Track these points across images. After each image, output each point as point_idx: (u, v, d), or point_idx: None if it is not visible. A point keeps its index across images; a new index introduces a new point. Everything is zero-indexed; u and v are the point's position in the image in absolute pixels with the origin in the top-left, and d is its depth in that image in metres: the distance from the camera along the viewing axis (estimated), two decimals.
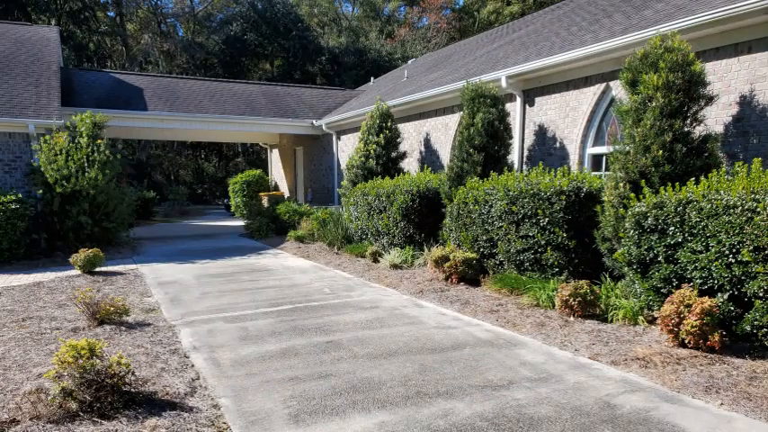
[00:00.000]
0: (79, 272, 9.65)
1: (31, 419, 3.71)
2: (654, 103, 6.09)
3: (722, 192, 5.20)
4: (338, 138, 17.86)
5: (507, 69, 9.85)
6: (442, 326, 6.23)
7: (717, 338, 4.87)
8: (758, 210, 4.80)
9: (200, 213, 27.85)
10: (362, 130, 12.84)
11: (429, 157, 13.08)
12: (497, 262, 8.20)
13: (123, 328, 6.10)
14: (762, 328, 4.79)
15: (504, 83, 9.77)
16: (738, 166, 5.32)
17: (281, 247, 13.50)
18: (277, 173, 24.32)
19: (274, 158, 24.80)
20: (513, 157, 10.11)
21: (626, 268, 6.11)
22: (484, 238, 8.25)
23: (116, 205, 12.42)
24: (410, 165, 13.76)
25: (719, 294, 5.09)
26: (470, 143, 9.20)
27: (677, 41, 6.16)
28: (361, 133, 12.85)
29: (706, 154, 6.08)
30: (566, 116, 9.26)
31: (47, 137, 11.74)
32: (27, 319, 6.58)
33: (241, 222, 19.17)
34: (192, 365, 4.95)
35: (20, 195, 11.17)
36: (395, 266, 9.78)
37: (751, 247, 4.80)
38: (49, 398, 3.83)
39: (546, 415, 3.88)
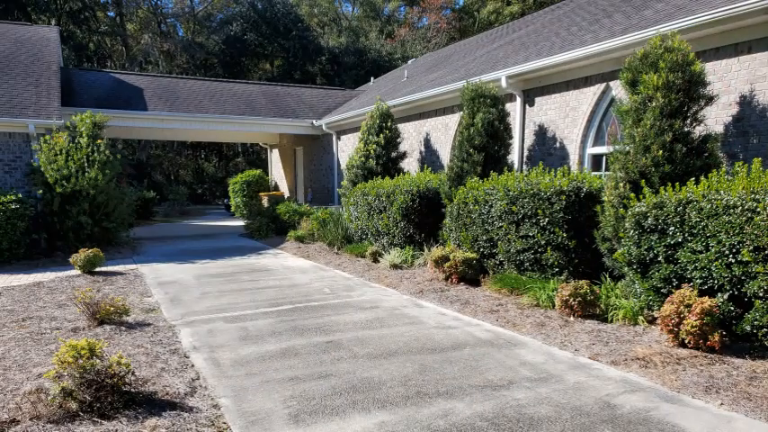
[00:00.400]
0: (79, 272, 9.65)
1: (31, 419, 3.71)
2: (654, 103, 6.09)
3: (722, 192, 5.20)
4: (338, 138, 17.86)
5: (507, 69, 9.85)
6: (442, 326, 6.23)
7: (717, 338, 4.87)
8: (758, 210, 4.80)
9: (200, 213, 27.85)
10: (362, 130, 12.85)
11: (429, 157, 13.08)
12: (497, 262, 8.20)
13: (123, 328, 6.10)
14: (762, 328, 4.79)
15: (504, 83, 9.77)
16: (738, 166, 5.32)
17: (281, 247, 13.50)
18: (277, 173, 24.32)
19: (274, 158, 24.80)
20: (513, 157, 10.11)
21: (626, 268, 6.11)
22: (484, 238, 8.25)
23: (116, 205, 12.42)
24: (410, 165, 13.76)
25: (719, 294, 5.09)
26: (470, 143, 9.20)
27: (677, 41, 6.16)
28: (361, 133, 12.85)
29: (706, 154, 6.08)
30: (566, 116, 9.26)
31: (47, 137, 11.74)
32: (27, 319, 6.58)
33: (241, 222, 19.17)
34: (192, 365, 4.95)
35: (20, 195, 11.17)
36: (395, 266, 9.78)
37: (751, 247, 4.80)
38: (49, 398, 3.83)
39: (546, 415, 3.88)
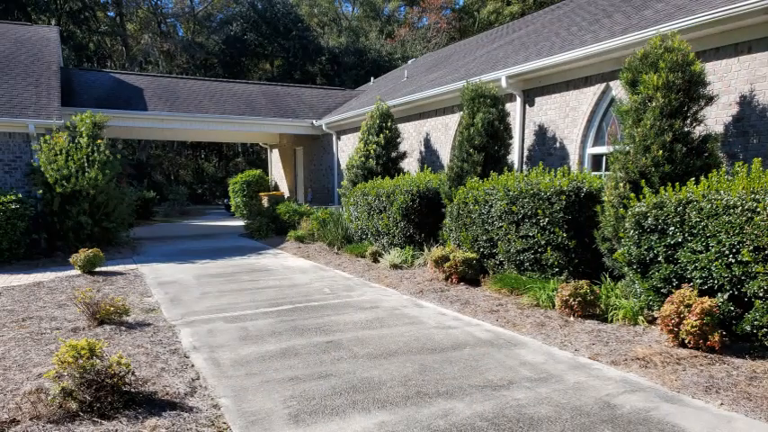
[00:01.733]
0: (79, 272, 9.65)
1: (31, 419, 3.71)
2: (654, 103, 6.09)
3: (722, 192, 5.20)
4: (338, 138, 17.86)
5: (507, 69, 9.85)
6: (442, 326, 6.23)
7: (717, 338, 4.87)
8: (758, 210, 4.80)
9: (200, 213, 27.85)
10: (362, 130, 12.85)
11: (429, 157, 13.08)
12: (497, 262, 8.20)
13: (123, 328, 6.10)
14: (762, 328, 4.79)
15: (504, 83, 9.77)
16: (738, 166, 5.32)
17: (281, 247, 13.50)
18: (277, 173, 24.32)
19: (274, 158, 24.80)
20: (513, 157, 10.11)
21: (626, 268, 6.11)
22: (484, 238, 8.25)
23: (116, 205, 12.42)
24: (410, 165, 13.76)
25: (719, 294, 5.09)
26: (470, 143, 9.20)
27: (677, 41, 6.16)
28: (361, 133, 12.85)
29: (706, 154, 6.08)
30: (566, 116, 9.26)
31: (47, 137, 11.74)
32: (27, 319, 6.58)
33: (241, 222, 19.17)
34: (192, 365, 4.95)
35: (20, 195, 11.17)
36: (395, 266, 9.78)
37: (751, 247, 4.80)
38: (49, 398, 3.83)
39: (546, 415, 3.88)
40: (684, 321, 4.98)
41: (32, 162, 11.89)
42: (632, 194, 6.03)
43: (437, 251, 8.62)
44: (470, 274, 8.28)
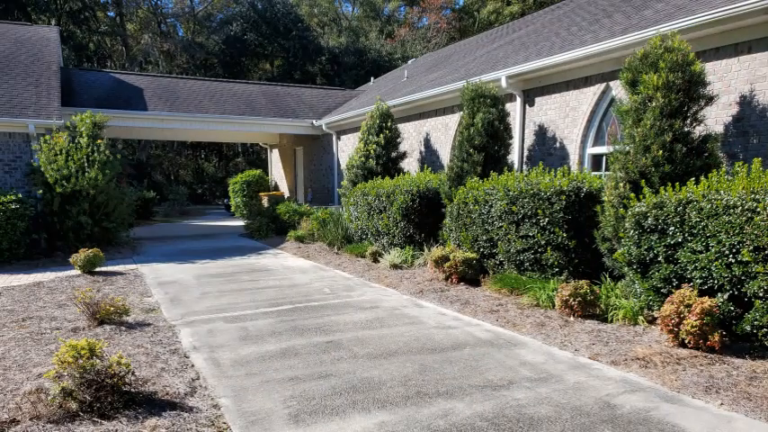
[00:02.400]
0: (79, 272, 9.65)
1: (31, 419, 3.71)
2: (654, 103, 6.09)
3: (722, 192, 5.20)
4: (338, 138, 17.86)
5: (507, 69, 9.85)
6: (442, 326, 6.23)
7: (717, 338, 4.87)
8: (758, 210, 4.80)
9: (200, 213, 27.85)
10: (362, 130, 12.85)
11: (429, 157, 13.08)
12: (497, 262, 8.20)
13: (123, 328, 6.10)
14: (762, 328, 4.79)
15: (504, 83, 9.77)
16: (738, 166, 5.32)
17: (281, 247, 13.50)
18: (277, 173, 24.32)
19: (274, 158, 24.80)
20: (513, 157, 10.11)
21: (626, 268, 6.11)
22: (484, 238, 8.25)
23: (116, 205, 12.42)
24: (410, 165, 13.76)
25: (719, 294, 5.09)
26: (470, 143, 9.20)
27: (677, 41, 6.16)
28: (361, 133, 12.86)
29: (706, 154, 6.08)
30: (566, 116, 9.26)
31: (47, 137, 11.74)
32: (27, 319, 6.58)
33: (241, 222, 19.17)
34: (192, 365, 4.95)
35: (20, 195, 11.17)
36: (395, 266, 9.78)
37: (751, 247, 4.80)
38: (49, 398, 3.83)
39: (546, 415, 3.88)
40: (684, 321, 4.98)
41: (32, 162, 11.89)
42: (632, 194, 6.03)
43: (437, 251, 8.62)
44: (470, 274, 8.28)
